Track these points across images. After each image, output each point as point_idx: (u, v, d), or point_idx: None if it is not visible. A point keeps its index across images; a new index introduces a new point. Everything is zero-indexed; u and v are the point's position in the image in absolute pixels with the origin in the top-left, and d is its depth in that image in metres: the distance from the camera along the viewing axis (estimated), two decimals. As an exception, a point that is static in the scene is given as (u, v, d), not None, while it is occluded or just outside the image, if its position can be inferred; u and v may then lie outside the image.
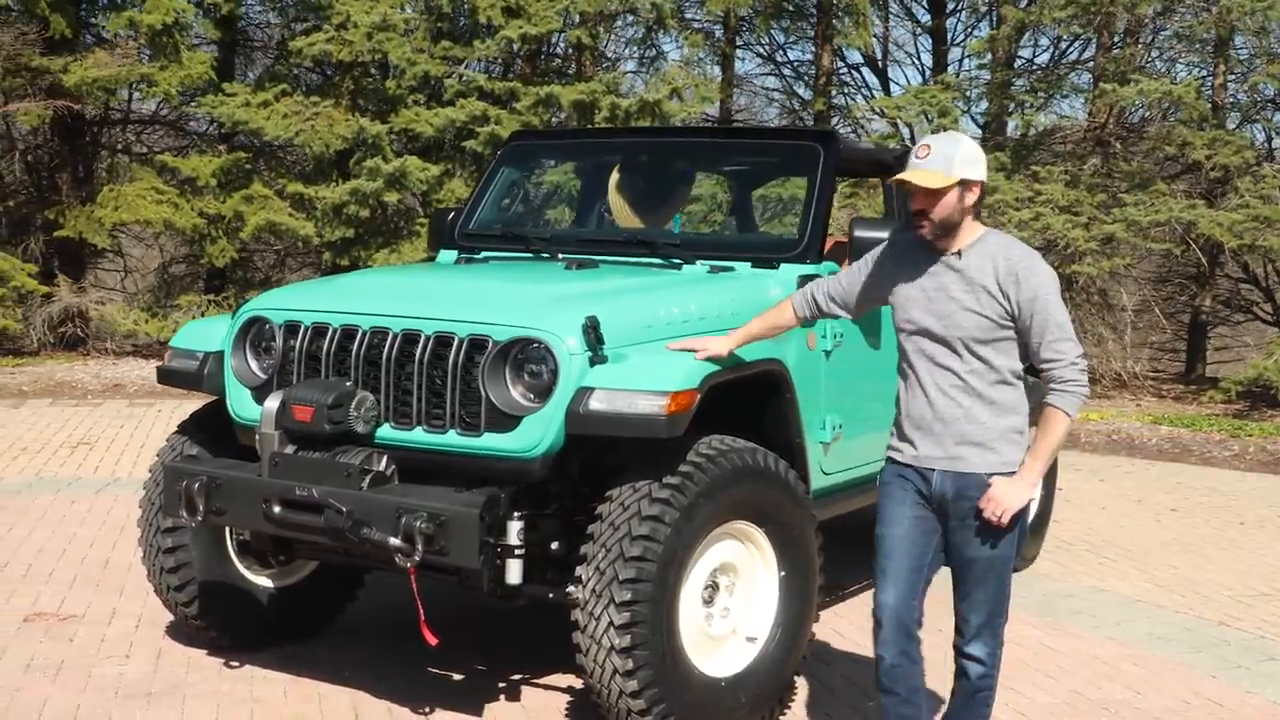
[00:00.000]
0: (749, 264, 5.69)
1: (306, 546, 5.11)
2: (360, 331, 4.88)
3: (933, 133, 17.21)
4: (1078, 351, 4.02)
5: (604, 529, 4.55)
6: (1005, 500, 4.00)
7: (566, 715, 5.15)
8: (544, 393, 4.62)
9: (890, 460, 4.29)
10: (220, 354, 5.27)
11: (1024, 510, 4.10)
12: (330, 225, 15.49)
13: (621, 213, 6.46)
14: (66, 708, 5.04)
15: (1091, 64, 18.21)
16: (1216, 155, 14.64)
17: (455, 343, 4.70)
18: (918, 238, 4.16)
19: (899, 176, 4.07)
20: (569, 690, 5.39)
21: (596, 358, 4.60)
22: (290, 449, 4.79)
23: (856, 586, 6.96)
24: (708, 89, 16.53)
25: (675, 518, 4.52)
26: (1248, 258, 16.42)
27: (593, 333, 4.59)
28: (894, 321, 4.28)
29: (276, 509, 4.67)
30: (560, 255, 5.93)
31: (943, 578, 4.29)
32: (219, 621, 5.58)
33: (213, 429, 5.53)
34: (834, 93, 19.65)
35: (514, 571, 4.66)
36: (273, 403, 4.80)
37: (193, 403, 13.05)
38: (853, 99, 20.92)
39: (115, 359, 15.72)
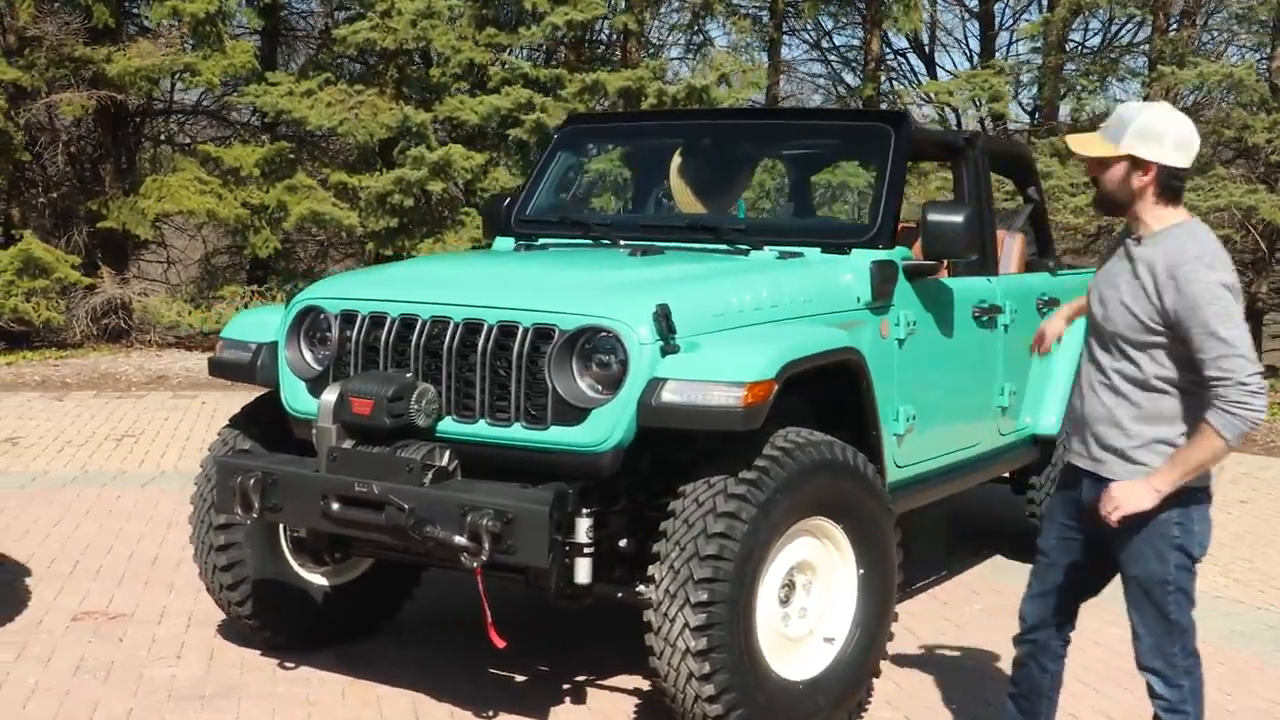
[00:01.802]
0: (818, 250, 5.47)
1: (365, 545, 4.92)
2: (420, 321, 4.69)
3: (984, 119, 16.98)
4: (1249, 370, 3.52)
5: (678, 526, 4.35)
6: (1119, 498, 3.65)
7: (635, 718, 4.95)
8: (613, 384, 4.41)
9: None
10: (274, 345, 5.09)
11: (1178, 530, 3.69)
12: (374, 215, 15.32)
13: (683, 197, 6.24)
14: (118, 711, 4.87)
15: (1146, 46, 17.86)
16: (1277, 138, 14.27)
17: (520, 332, 4.50)
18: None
19: (1065, 137, 3.76)
20: (636, 692, 5.19)
21: (668, 347, 4.39)
22: (348, 443, 4.60)
23: (925, 581, 6.75)
24: (755, 75, 16.27)
25: (752, 514, 4.31)
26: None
27: (664, 321, 4.38)
28: None
29: (335, 506, 4.49)
30: (622, 242, 5.72)
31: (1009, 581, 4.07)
32: (273, 621, 5.40)
33: (265, 422, 5.36)
34: (882, 78, 19.33)
35: (583, 570, 4.45)
36: (330, 395, 4.61)
37: (238, 394, 12.92)
38: (900, 85, 20.62)
39: (159, 350, 15.61)
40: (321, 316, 4.96)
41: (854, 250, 5.42)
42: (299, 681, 5.21)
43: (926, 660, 5.63)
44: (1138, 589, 3.77)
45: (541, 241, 5.97)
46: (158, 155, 17.27)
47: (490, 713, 4.93)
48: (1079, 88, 16.50)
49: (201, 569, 5.38)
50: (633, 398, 4.36)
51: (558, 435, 4.44)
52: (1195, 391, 3.63)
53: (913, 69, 22.34)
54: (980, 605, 6.57)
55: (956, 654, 5.78)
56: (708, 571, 4.24)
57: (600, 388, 4.44)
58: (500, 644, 4.50)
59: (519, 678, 5.33)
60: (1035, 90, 18.48)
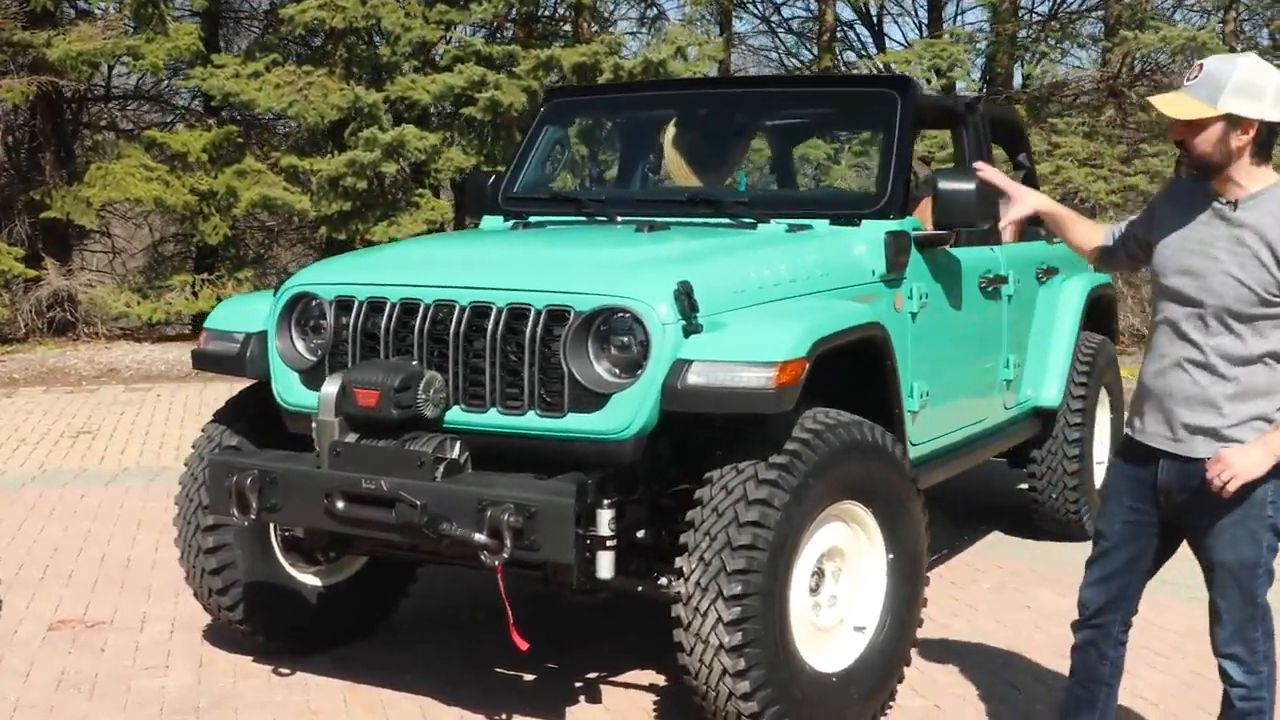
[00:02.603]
0: (826, 222, 5.24)
1: (371, 544, 4.66)
2: (423, 305, 4.41)
3: (942, 89, 16.81)
4: None
5: (706, 515, 4.11)
6: (1235, 464, 3.39)
7: (655, 715, 4.72)
8: (634, 367, 4.17)
9: (1124, 436, 3.78)
10: (263, 334, 4.80)
11: (1271, 510, 3.48)
12: (326, 199, 14.97)
13: (679, 170, 6.00)
14: (108, 727, 4.60)
15: (1098, 12, 17.75)
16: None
17: (532, 315, 4.23)
18: (1200, 181, 3.56)
19: (1149, 99, 3.44)
20: (652, 688, 4.97)
21: (691, 327, 4.14)
22: (352, 437, 4.33)
23: (933, 557, 6.57)
24: (713, 48, 16.01)
25: (785, 501, 4.08)
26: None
27: (686, 300, 4.14)
28: (1150, 266, 3.70)
29: (340, 504, 4.21)
30: (620, 218, 5.47)
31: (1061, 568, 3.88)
32: (265, 624, 5.12)
33: (253, 416, 5.07)
34: (837, 50, 19.13)
35: (605, 565, 4.20)
36: (331, 387, 4.34)
37: (193, 386, 12.60)
38: (854, 56, 20.41)
39: (107, 343, 15.20)
40: (314, 303, 4.67)
41: (864, 221, 5.20)
42: (297, 688, 4.94)
43: (945, 644, 5.44)
44: (1226, 574, 3.55)
45: (536, 219, 5.70)
46: (100, 142, 16.78)
47: (502, 716, 4.68)
48: (1038, 54, 16.35)
49: (189, 572, 5.08)
50: (656, 381, 4.11)
51: (576, 423, 4.19)
52: None
53: (860, 40, 22.16)
54: (988, 584, 6.40)
55: (974, 636, 5.60)
56: (741, 562, 4.01)
57: (620, 371, 4.19)
58: (524, 646, 4.24)
59: (527, 676, 5.08)
60: (983, 60, 18.33)
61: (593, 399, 4.17)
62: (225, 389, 12.41)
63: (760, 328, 4.23)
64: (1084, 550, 6.85)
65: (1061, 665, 5.24)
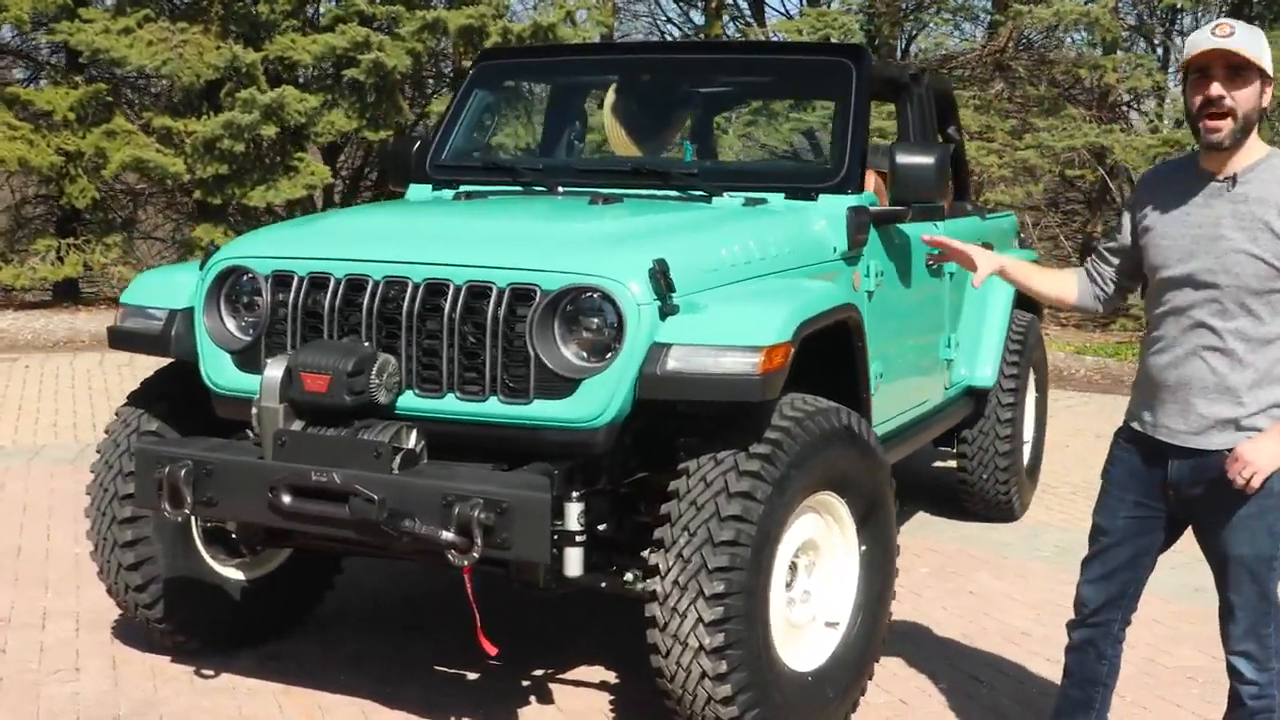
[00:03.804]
0: (781, 196, 5.01)
1: (314, 539, 4.31)
2: (371, 282, 4.08)
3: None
4: None
5: (685, 509, 3.86)
6: (1257, 460, 3.25)
7: (614, 717, 4.47)
8: (603, 350, 3.89)
9: (1126, 428, 3.60)
10: (189, 311, 4.42)
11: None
12: (202, 161, 14.36)
13: (619, 139, 5.71)
14: (23, 741, 4.21)
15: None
16: (1129, 78, 14.33)
17: (494, 294, 3.93)
18: (1179, 164, 3.44)
19: (1211, 47, 3.21)
20: (603, 686, 4.72)
21: (666, 308, 3.88)
22: (297, 425, 3.99)
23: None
24: (602, 13, 15.69)
25: (768, 493, 3.84)
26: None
27: (662, 279, 3.87)
28: (1146, 264, 3.52)
29: (286, 498, 3.86)
30: (561, 189, 5.17)
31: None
32: (186, 622, 4.75)
33: (172, 398, 4.70)
34: (725, 18, 18.93)
35: (574, 562, 3.94)
36: (275, 370, 3.98)
37: (64, 356, 11.98)
38: (743, 25, 20.20)
39: (-34, 311, 14.44)
40: (246, 278, 4.31)
41: (821, 196, 4.98)
42: (224, 692, 4.59)
43: (899, 634, 5.26)
44: (1241, 569, 3.41)
45: (469, 189, 5.37)
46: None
47: (450, 718, 4.39)
48: (923, 24, 16.33)
49: (103, 567, 4.69)
50: (631, 366, 3.84)
51: (543, 410, 3.90)
52: None
53: (739, 9, 21.96)
54: (926, 568, 6.26)
55: (926, 624, 5.45)
56: (723, 560, 3.77)
57: (588, 355, 3.91)
58: (492, 651, 3.96)
59: (470, 675, 4.80)
60: (864, 31, 18.27)
61: (561, 384, 3.88)
62: (99, 360, 11.89)
63: (742, 310, 3.98)
64: (1011, 532, 6.87)
65: (1016, 653, 5.16)
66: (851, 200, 4.96)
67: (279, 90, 14.18)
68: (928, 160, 4.94)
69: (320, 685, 4.64)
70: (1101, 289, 3.74)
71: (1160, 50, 16.95)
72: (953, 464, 6.98)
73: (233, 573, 4.87)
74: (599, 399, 3.86)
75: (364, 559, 5.33)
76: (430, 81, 17.31)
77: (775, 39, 16.58)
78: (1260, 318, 3.31)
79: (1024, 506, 7.18)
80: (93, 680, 4.67)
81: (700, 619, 3.78)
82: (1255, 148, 3.35)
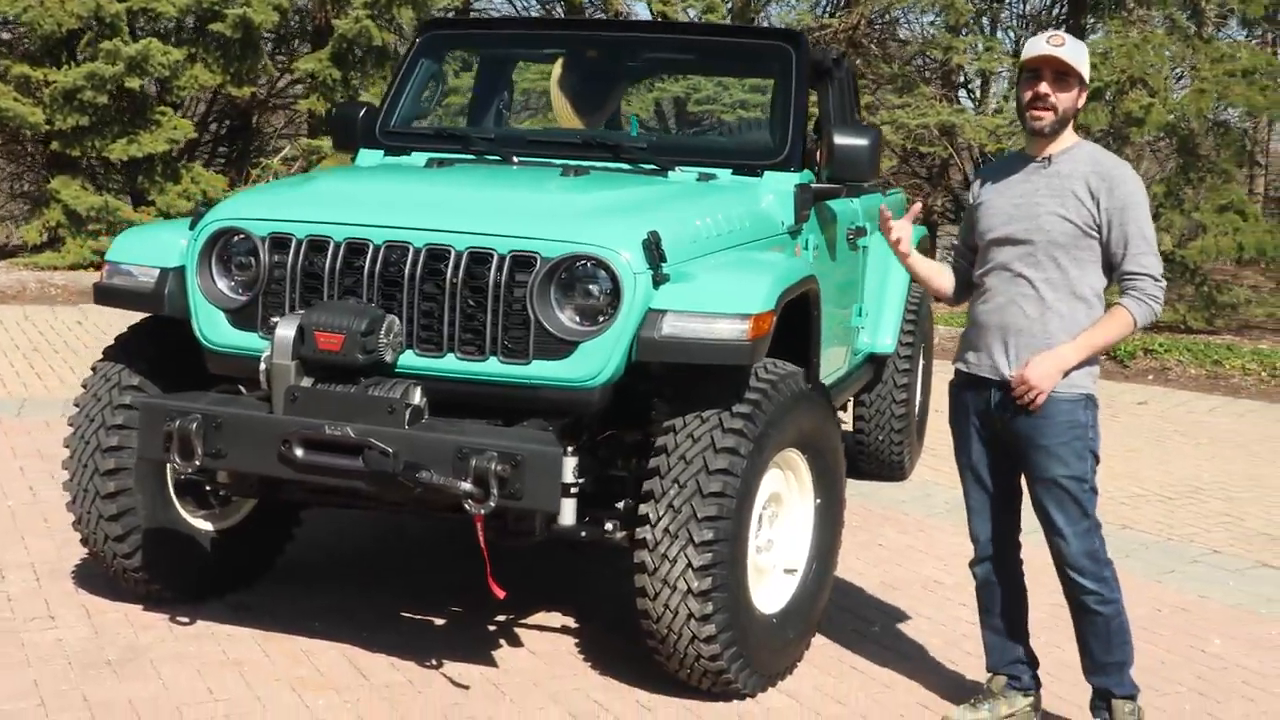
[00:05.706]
0: (729, 172, 5.34)
1: (312, 493, 4.52)
2: (372, 246, 4.29)
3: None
4: (1160, 269, 3.97)
5: (673, 463, 4.18)
6: (1034, 378, 3.89)
7: (583, 657, 4.77)
8: (597, 315, 4.18)
9: (956, 373, 4.19)
10: (181, 270, 4.56)
11: (1091, 434, 3.99)
12: (62, 112, 14.08)
13: (564, 112, 5.96)
14: (23, 685, 4.30)
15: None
16: (979, 60, 14.98)
17: (495, 260, 4.18)
18: (1009, 158, 4.07)
19: (1044, 54, 3.89)
20: (565, 630, 5.01)
21: (659, 276, 4.18)
22: (307, 382, 4.19)
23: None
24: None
25: (750, 449, 4.19)
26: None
27: (655, 249, 4.17)
28: (976, 232, 4.13)
29: (299, 451, 4.08)
30: (516, 159, 5.40)
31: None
32: (162, 573, 4.90)
33: (151, 355, 4.83)
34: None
35: (568, 512, 4.23)
36: (287, 329, 4.17)
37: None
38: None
39: None
40: (240, 239, 4.47)
41: (766, 173, 5.32)
42: (205, 639, 4.76)
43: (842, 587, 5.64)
44: (1061, 490, 3.98)
45: (415, 155, 5.57)
46: None
47: (433, 661, 4.64)
48: (782, 4, 16.77)
49: (82, 518, 4.80)
50: (626, 330, 4.14)
51: (541, 370, 4.17)
52: (1102, 301, 4.00)
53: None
54: (834, 522, 6.65)
55: (847, 576, 5.82)
56: (712, 509, 4.10)
57: (583, 320, 4.20)
58: (500, 595, 4.23)
59: (438, 621, 5.05)
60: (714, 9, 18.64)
61: (561, 346, 4.16)
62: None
63: (730, 279, 4.31)
64: (904, 490, 7.34)
65: (933, 600, 5.59)
66: (796, 178, 5.31)
67: (145, 42, 13.97)
68: (863, 142, 5.31)
69: (295, 631, 4.83)
70: (965, 280, 4.31)
71: (1012, 35, 17.76)
72: (848, 426, 7.41)
73: (202, 523, 5.03)
74: (596, 360, 4.15)
75: (317, 512, 5.56)
76: (295, 41, 17.16)
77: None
78: (1065, 271, 3.94)
79: (913, 466, 7.68)
80: (72, 629, 4.79)
81: (690, 564, 4.12)
82: (1069, 137, 4.04)
